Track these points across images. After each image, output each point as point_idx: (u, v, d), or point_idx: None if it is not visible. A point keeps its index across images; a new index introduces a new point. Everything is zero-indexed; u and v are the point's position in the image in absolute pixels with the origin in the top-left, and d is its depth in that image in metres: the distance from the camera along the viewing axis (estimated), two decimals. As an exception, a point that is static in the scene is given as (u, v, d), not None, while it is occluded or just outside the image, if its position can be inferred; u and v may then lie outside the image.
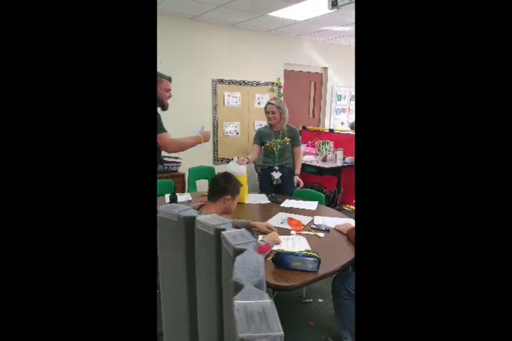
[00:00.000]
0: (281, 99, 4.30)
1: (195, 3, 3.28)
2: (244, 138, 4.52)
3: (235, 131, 4.46)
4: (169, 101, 2.25)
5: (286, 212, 2.27)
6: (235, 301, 0.48)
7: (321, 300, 2.38)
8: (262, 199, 2.62)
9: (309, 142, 4.62)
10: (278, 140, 2.82)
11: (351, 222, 2.02)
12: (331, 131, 4.53)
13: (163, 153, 3.42)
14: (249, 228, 1.84)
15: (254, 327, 0.42)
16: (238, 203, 1.99)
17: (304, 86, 5.19)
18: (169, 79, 2.18)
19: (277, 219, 2.12)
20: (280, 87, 4.75)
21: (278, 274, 1.41)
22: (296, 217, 2.15)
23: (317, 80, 5.28)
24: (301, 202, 2.51)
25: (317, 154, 4.40)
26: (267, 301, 0.48)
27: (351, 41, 4.93)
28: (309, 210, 2.34)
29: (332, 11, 3.14)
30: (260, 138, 2.90)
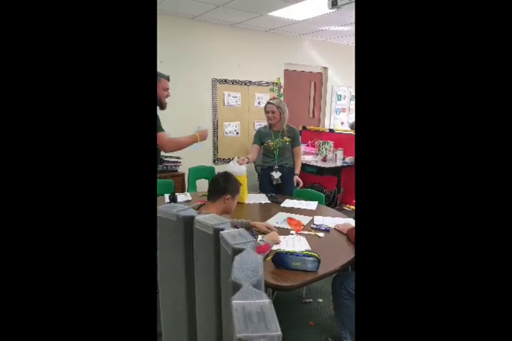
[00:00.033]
0: (281, 98, 4.30)
1: (195, 3, 3.27)
2: (244, 138, 4.51)
3: (235, 130, 4.46)
4: (169, 100, 2.24)
5: (286, 212, 2.26)
6: (233, 301, 0.47)
7: (320, 300, 2.38)
8: (262, 199, 2.62)
9: (309, 142, 4.62)
10: (278, 140, 2.82)
11: (351, 222, 2.01)
12: (331, 130, 4.53)
13: (164, 153, 3.44)
14: (249, 228, 1.84)
15: (252, 327, 0.42)
16: (238, 203, 1.98)
17: (304, 86, 5.19)
18: (167, 78, 2.18)
19: (277, 219, 2.12)
20: (280, 86, 4.75)
21: (278, 274, 1.41)
22: (296, 216, 2.14)
23: (317, 80, 5.27)
24: (301, 202, 2.51)
25: (317, 154, 4.40)
26: (265, 301, 0.47)
27: (351, 41, 4.92)
28: (309, 210, 2.33)
29: (332, 10, 3.14)
30: (260, 138, 2.90)
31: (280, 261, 1.44)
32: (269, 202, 2.56)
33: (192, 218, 0.86)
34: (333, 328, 2.00)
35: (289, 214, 2.20)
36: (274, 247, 1.62)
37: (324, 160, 4.24)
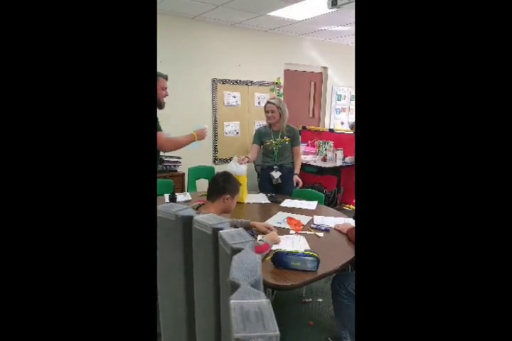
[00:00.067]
0: (281, 98, 4.30)
1: (195, 3, 3.27)
2: (244, 138, 4.51)
3: (235, 130, 4.46)
4: (169, 100, 2.24)
5: (285, 212, 2.26)
6: (231, 301, 0.47)
7: (320, 300, 2.38)
8: (262, 198, 2.62)
9: (309, 142, 4.62)
10: (277, 139, 2.82)
11: (351, 222, 2.01)
12: (331, 130, 4.53)
13: (164, 153, 3.44)
14: (249, 228, 1.83)
15: (250, 327, 0.42)
16: (238, 203, 1.98)
17: (304, 85, 5.19)
18: (165, 78, 2.17)
19: (277, 219, 2.12)
20: (280, 86, 4.75)
21: (277, 274, 1.41)
22: (296, 216, 2.14)
23: (317, 80, 5.27)
24: (301, 201, 2.50)
25: (317, 154, 4.40)
26: (264, 301, 0.47)
27: (351, 41, 4.92)
28: (309, 210, 2.33)
29: (332, 10, 3.13)
30: (260, 137, 2.90)
31: (280, 260, 1.44)
32: (268, 201, 2.55)
33: (191, 218, 0.86)
34: (333, 328, 2.00)
35: (288, 214, 2.20)
36: (274, 247, 1.62)
37: (324, 160, 4.24)
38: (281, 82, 4.75)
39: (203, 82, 4.11)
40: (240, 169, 2.45)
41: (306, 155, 4.32)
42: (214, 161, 4.33)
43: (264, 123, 3.11)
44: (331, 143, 4.30)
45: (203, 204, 1.86)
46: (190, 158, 3.68)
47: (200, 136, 2.27)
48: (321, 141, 4.43)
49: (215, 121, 4.27)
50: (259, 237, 1.72)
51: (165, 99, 2.22)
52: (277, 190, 2.82)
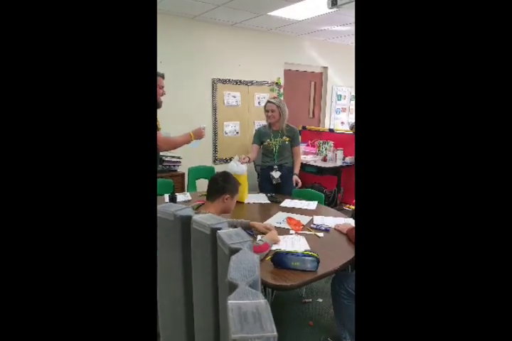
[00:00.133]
0: (281, 98, 4.29)
1: (195, 3, 3.27)
2: (244, 138, 4.51)
3: (235, 130, 4.45)
4: (169, 100, 2.24)
5: (285, 212, 2.26)
6: (229, 301, 0.47)
7: (320, 300, 2.38)
8: (262, 199, 2.61)
9: (309, 142, 4.62)
10: (277, 139, 2.82)
11: (351, 222, 2.01)
12: (331, 130, 4.52)
13: (165, 153, 3.43)
14: (248, 228, 1.83)
15: (248, 328, 0.41)
16: (238, 203, 1.98)
17: (304, 85, 5.18)
18: (162, 76, 2.17)
19: (277, 219, 2.12)
20: (280, 86, 4.75)
21: (277, 274, 1.40)
22: (296, 216, 2.14)
23: (317, 80, 5.27)
24: (301, 201, 2.50)
25: (317, 154, 4.40)
26: (261, 301, 0.47)
27: (351, 41, 4.92)
28: (309, 210, 2.33)
29: (332, 10, 3.13)
30: (259, 137, 2.89)
31: (279, 260, 1.44)
32: (268, 201, 2.55)
33: (189, 218, 0.86)
34: (333, 328, 1.99)
35: (288, 214, 2.19)
36: (274, 247, 1.62)
37: (324, 160, 4.23)
38: (282, 82, 4.75)
39: (202, 81, 4.10)
40: (240, 168, 2.45)
41: (306, 155, 4.31)
42: (214, 161, 4.33)
43: (264, 123, 3.11)
44: (331, 143, 4.30)
45: (203, 204, 1.85)
46: (190, 158, 3.67)
47: (198, 135, 2.26)
48: (321, 141, 4.42)
49: (215, 121, 4.27)
50: (259, 237, 1.71)
51: (164, 99, 2.21)
52: (277, 190, 2.82)
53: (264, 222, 1.95)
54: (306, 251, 1.50)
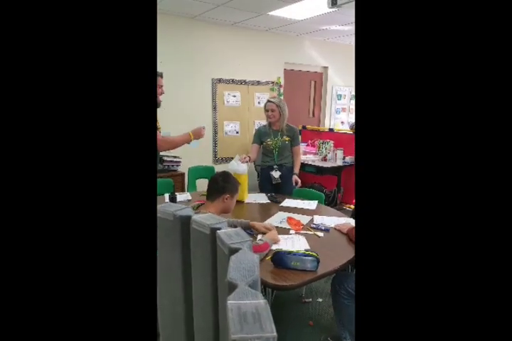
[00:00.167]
0: (281, 98, 4.29)
1: (195, 3, 3.27)
2: (244, 138, 4.51)
3: (235, 130, 4.45)
4: (169, 100, 2.24)
5: (285, 212, 2.26)
6: (229, 301, 0.47)
7: (320, 300, 2.38)
8: (262, 198, 2.61)
9: (309, 141, 4.62)
10: (277, 139, 2.82)
11: (351, 222, 2.01)
12: (331, 130, 4.52)
13: (165, 153, 3.43)
14: (248, 228, 1.83)
15: (247, 328, 0.41)
16: (238, 202, 1.98)
17: (304, 85, 5.18)
18: (160, 76, 2.16)
19: (277, 219, 2.11)
20: (280, 86, 4.74)
21: (277, 274, 1.40)
22: (296, 216, 2.14)
23: (317, 79, 5.27)
24: (300, 201, 2.50)
25: (317, 153, 4.40)
26: (261, 301, 0.47)
27: (351, 40, 4.91)
28: (309, 210, 2.33)
29: (332, 10, 3.13)
30: (259, 137, 2.89)
31: (279, 260, 1.44)
32: (268, 201, 2.55)
33: (189, 217, 0.86)
34: (333, 328, 1.99)
35: (288, 214, 2.19)
36: (274, 247, 1.62)
37: (324, 159, 4.23)
38: (282, 81, 4.75)
39: (202, 81, 4.10)
40: (241, 167, 2.45)
41: (306, 155, 4.31)
42: (214, 161, 4.33)
43: (264, 122, 3.11)
44: (331, 142, 4.30)
45: (203, 204, 1.85)
46: (190, 158, 3.67)
47: (197, 135, 2.26)
48: (321, 141, 4.42)
49: (215, 121, 4.27)
50: (259, 237, 1.71)
51: (164, 99, 2.21)
52: (277, 190, 2.82)
53: (264, 222, 1.95)
54: (306, 250, 1.50)
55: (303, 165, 3.81)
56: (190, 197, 2.52)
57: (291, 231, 1.90)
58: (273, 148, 2.83)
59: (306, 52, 4.94)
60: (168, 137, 2.25)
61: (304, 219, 2.09)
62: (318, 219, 2.11)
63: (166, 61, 3.49)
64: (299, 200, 2.52)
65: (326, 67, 5.23)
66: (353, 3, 2.60)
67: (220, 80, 4.21)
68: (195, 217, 0.84)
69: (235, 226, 1.58)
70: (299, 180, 2.83)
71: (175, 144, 2.25)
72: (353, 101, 5.59)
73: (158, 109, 2.15)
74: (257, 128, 3.36)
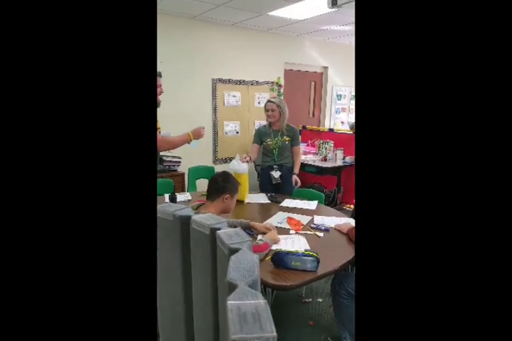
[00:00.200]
0: (281, 98, 4.29)
1: (195, 3, 3.27)
2: (244, 138, 4.51)
3: (235, 130, 4.45)
4: (169, 100, 2.24)
5: (285, 212, 2.26)
6: (229, 302, 0.47)
7: (320, 300, 2.38)
8: (262, 198, 2.61)
9: (309, 141, 4.62)
10: (277, 139, 2.82)
11: (351, 222, 2.01)
12: (331, 130, 4.52)
13: (165, 153, 3.43)
14: (248, 228, 1.83)
15: (247, 328, 0.41)
16: (238, 202, 1.98)
17: (304, 85, 5.18)
18: (159, 75, 2.16)
19: (277, 219, 2.11)
20: (280, 86, 4.74)
21: (277, 274, 1.40)
22: (296, 216, 2.14)
23: (317, 80, 5.27)
24: (300, 201, 2.50)
25: (317, 154, 4.40)
26: (261, 301, 0.47)
27: (351, 40, 4.91)
28: (309, 210, 2.33)
29: (332, 10, 3.13)
30: (260, 136, 2.89)
31: (279, 260, 1.44)
32: (268, 201, 2.55)
33: (189, 218, 0.86)
34: (333, 328, 1.99)
35: (288, 214, 2.19)
36: (274, 247, 1.62)
37: (324, 159, 4.23)
38: (282, 81, 4.75)
39: (202, 81, 4.10)
40: (241, 167, 2.46)
41: (306, 155, 4.31)
42: (214, 161, 4.33)
43: (264, 122, 3.11)
44: (331, 142, 4.30)
45: (203, 204, 1.85)
46: (190, 158, 3.67)
47: (197, 135, 2.26)
48: (321, 141, 4.42)
49: (215, 121, 4.27)
50: (259, 237, 1.71)
51: (164, 99, 2.21)
52: (277, 190, 2.82)
53: (264, 222, 1.95)
54: (306, 251, 1.50)
55: (303, 165, 3.81)
56: (190, 197, 2.52)
57: (291, 232, 1.90)
58: (273, 148, 2.83)
59: (306, 53, 4.94)
60: (167, 137, 2.25)
61: (304, 219, 2.09)
62: (318, 219, 2.11)
63: (165, 61, 3.49)
64: (298, 200, 2.52)
65: (326, 67, 5.23)
66: (353, 3, 2.60)
67: (220, 80, 4.21)
68: (195, 217, 0.84)
69: (235, 227, 1.58)
70: (299, 180, 2.83)
71: (174, 144, 2.25)
72: (353, 102, 5.59)
73: (158, 109, 2.15)
74: (257, 128, 3.36)
